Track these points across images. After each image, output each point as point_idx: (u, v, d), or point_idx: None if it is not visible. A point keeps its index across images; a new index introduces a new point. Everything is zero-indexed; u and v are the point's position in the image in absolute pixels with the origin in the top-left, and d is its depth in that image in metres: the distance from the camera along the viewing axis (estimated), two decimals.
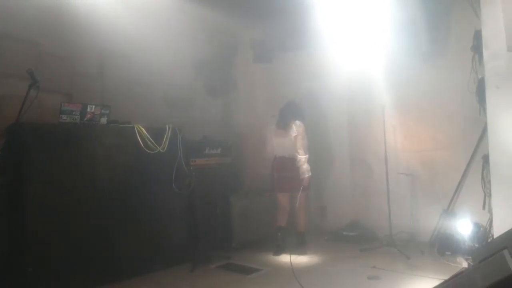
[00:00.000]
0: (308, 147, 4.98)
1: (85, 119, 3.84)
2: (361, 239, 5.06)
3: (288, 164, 4.87)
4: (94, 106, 3.89)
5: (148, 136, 4.18)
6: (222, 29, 6.08)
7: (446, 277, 2.39)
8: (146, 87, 5.25)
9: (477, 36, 4.13)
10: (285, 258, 4.61)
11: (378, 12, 4.70)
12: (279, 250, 4.79)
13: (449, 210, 4.66)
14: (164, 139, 4.31)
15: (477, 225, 4.28)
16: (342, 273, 3.94)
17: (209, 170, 5.14)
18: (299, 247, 4.86)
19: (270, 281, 3.88)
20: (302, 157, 4.76)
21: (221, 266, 4.37)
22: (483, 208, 4.22)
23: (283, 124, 4.92)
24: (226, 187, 5.27)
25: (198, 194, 4.81)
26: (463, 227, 4.32)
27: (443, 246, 4.37)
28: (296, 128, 4.84)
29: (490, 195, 3.99)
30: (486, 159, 4.08)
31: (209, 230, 4.92)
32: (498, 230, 3.72)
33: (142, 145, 4.13)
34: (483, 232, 4.23)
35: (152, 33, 5.06)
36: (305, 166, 4.76)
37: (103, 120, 3.97)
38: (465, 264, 3.78)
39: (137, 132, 4.14)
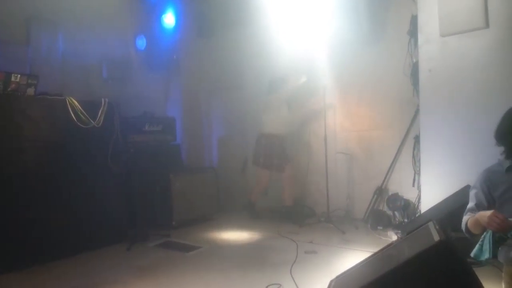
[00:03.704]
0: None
1: (9, 89, 3.52)
2: (301, 216, 5.18)
3: None
4: (19, 76, 3.58)
5: (82, 110, 3.94)
6: None
7: (377, 249, 2.51)
8: (81, 59, 4.95)
9: (413, 21, 4.29)
10: (226, 236, 4.63)
11: None
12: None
13: (382, 188, 4.89)
14: (100, 113, 4.08)
15: (407, 202, 4.54)
16: (281, 248, 4.01)
17: (149, 147, 5.00)
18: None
19: (208, 258, 3.86)
20: None
21: (159, 245, 4.29)
22: (413, 185, 4.48)
23: None
24: (167, 165, 5.16)
25: (137, 172, 4.68)
26: (394, 203, 4.56)
27: (376, 221, 4.60)
28: None
29: (419, 173, 4.24)
30: (417, 139, 4.30)
31: (148, 208, 4.82)
32: (426, 206, 3.97)
33: (74, 119, 3.88)
34: (412, 208, 4.51)
35: (85, 2, 4.74)
36: None
37: (30, 91, 3.67)
38: (395, 238, 3.99)
39: (69, 105, 3.87)
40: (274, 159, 5.12)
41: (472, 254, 2.25)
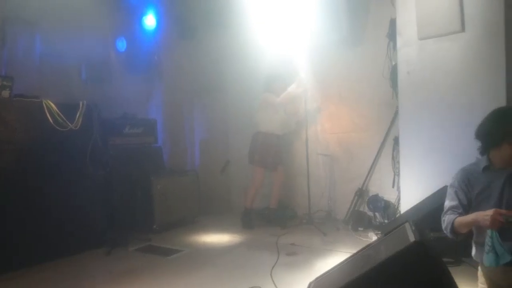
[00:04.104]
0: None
1: None
2: (283, 218, 5.18)
3: None
4: None
5: (59, 112, 3.86)
6: None
7: (357, 250, 2.53)
8: (59, 61, 4.86)
9: (392, 24, 4.35)
10: (207, 239, 4.60)
11: None
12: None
13: (363, 189, 4.93)
14: (77, 116, 4.01)
15: (387, 203, 4.59)
16: (262, 251, 4.02)
17: (129, 149, 4.94)
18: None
19: (189, 261, 3.83)
20: None
21: (140, 249, 4.23)
22: (393, 186, 4.53)
23: None
24: (148, 167, 5.09)
25: (117, 175, 4.61)
26: (375, 204, 4.61)
27: (357, 222, 4.64)
28: None
29: (399, 175, 4.29)
30: (396, 140, 4.36)
31: (129, 212, 4.75)
32: (405, 207, 4.02)
33: (51, 121, 3.81)
34: (392, 208, 4.56)
35: (64, 1, 4.66)
36: None
37: (5, 93, 3.57)
38: (375, 238, 4.03)
39: (45, 108, 3.79)
40: (269, 158, 5.05)
41: (487, 263, 2.15)
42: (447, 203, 2.34)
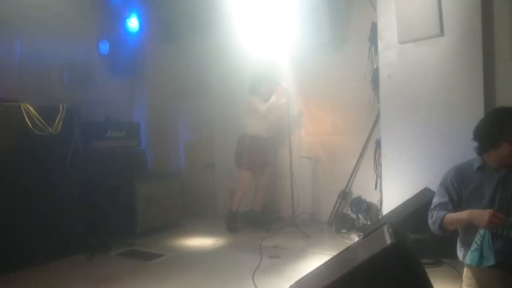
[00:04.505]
0: None
1: None
2: (267, 220, 5.18)
3: None
4: None
5: (38, 116, 3.80)
6: None
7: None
8: (41, 64, 4.80)
9: (373, 28, 4.39)
10: (190, 242, 4.58)
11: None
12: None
13: (346, 191, 4.96)
14: (57, 119, 3.96)
15: (370, 204, 4.63)
16: (245, 254, 4.00)
17: (112, 153, 4.90)
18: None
19: (172, 266, 3.80)
20: None
21: (122, 253, 4.19)
22: (375, 188, 4.57)
23: None
24: (131, 171, 5.05)
25: (99, 179, 4.56)
26: (358, 206, 4.65)
27: (340, 224, 4.66)
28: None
29: (381, 177, 4.33)
30: (378, 143, 4.40)
31: (111, 216, 4.69)
32: (387, 209, 4.06)
33: (30, 125, 3.75)
34: (375, 210, 4.60)
35: (45, 3, 4.61)
36: None
37: None
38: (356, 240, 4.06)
39: (24, 112, 3.74)
40: (258, 160, 5.01)
41: (468, 261, 2.17)
42: (436, 200, 2.36)
